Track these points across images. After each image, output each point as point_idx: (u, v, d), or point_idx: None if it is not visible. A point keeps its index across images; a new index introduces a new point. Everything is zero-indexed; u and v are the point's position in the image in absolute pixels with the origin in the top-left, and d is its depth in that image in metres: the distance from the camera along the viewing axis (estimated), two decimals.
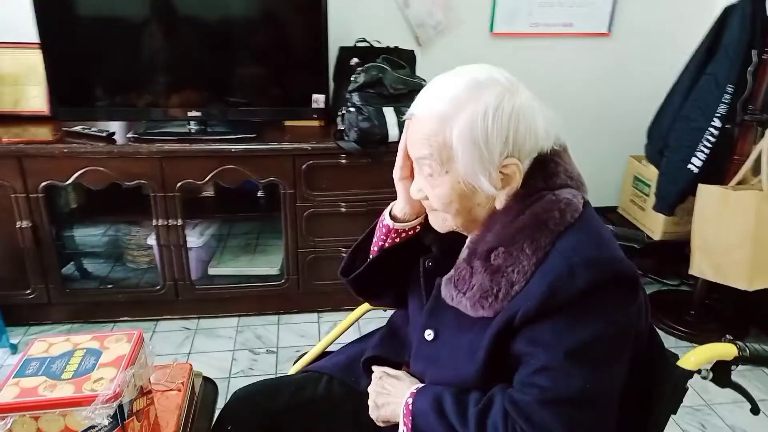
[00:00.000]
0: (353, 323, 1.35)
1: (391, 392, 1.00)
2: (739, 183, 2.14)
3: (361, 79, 2.14)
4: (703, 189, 2.16)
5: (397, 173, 1.00)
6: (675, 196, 2.28)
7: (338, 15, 2.25)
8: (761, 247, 2.03)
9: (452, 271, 0.91)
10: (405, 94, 2.18)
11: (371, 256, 1.09)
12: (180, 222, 2.22)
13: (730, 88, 2.06)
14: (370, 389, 1.04)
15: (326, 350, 1.31)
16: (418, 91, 2.35)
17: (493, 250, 0.85)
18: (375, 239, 1.07)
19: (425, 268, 1.01)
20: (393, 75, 2.17)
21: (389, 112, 2.16)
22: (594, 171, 2.62)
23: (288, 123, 2.32)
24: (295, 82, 2.27)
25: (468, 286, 0.87)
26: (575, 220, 0.83)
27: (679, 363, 0.82)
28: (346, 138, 2.18)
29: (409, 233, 1.04)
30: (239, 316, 2.44)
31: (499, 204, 0.87)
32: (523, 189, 0.86)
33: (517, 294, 0.82)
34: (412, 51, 2.35)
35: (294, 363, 1.32)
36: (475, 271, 0.86)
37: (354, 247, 1.12)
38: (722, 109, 2.09)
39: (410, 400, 0.95)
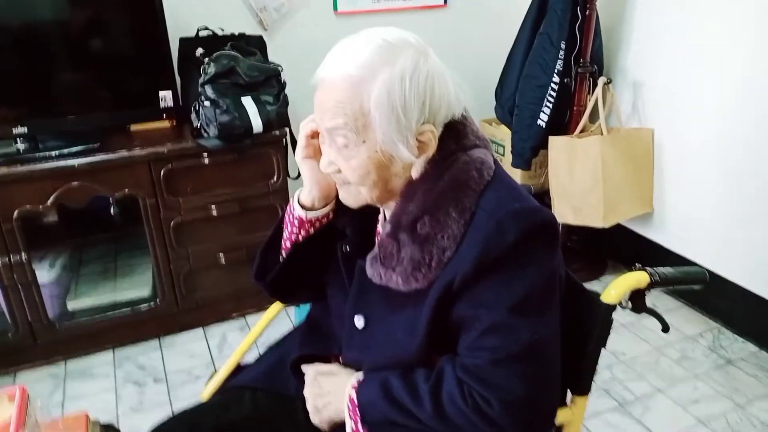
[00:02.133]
0: (265, 327, 1.25)
1: (330, 391, 0.95)
2: (582, 131, 2.35)
3: (212, 69, 1.99)
4: (552, 141, 2.34)
5: (300, 153, 0.93)
6: (529, 151, 2.45)
7: (172, 4, 2.06)
8: (610, 186, 2.24)
9: (375, 249, 0.87)
10: (262, 81, 2.07)
11: (284, 253, 1.01)
12: (25, 257, 1.93)
13: (563, 44, 2.23)
14: (306, 393, 0.97)
15: (240, 363, 1.21)
16: (275, 77, 2.28)
17: (418, 220, 0.82)
18: (286, 234, 1.00)
19: (343, 253, 0.96)
20: (246, 62, 2.05)
21: (248, 102, 2.04)
22: None
23: (134, 127, 2.11)
24: (136, 81, 2.06)
25: (397, 260, 0.83)
26: (491, 178, 0.83)
27: (602, 298, 0.87)
28: (205, 135, 2.03)
29: (323, 221, 0.98)
30: (114, 348, 2.19)
31: (416, 172, 0.85)
32: (437, 154, 0.84)
33: (450, 259, 0.80)
34: (260, 36, 2.24)
35: (206, 384, 1.20)
36: (402, 244, 0.83)
37: (263, 247, 1.03)
38: (559, 64, 2.26)
39: (353, 394, 0.90)
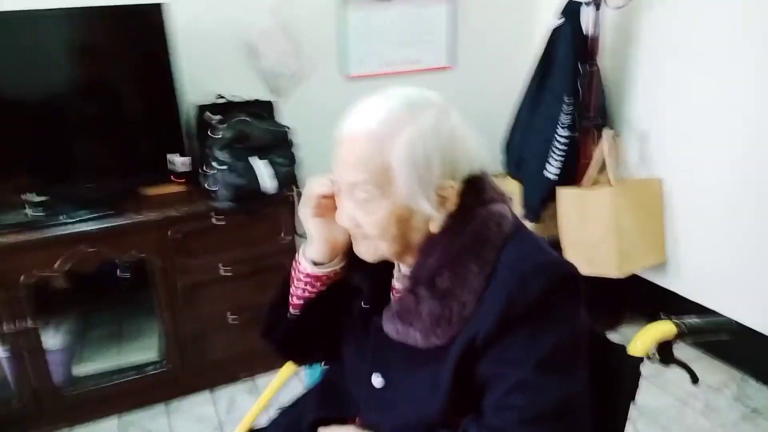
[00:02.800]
0: (278, 389, 1.21)
1: None
2: (593, 183, 2.35)
3: (227, 134, 2.03)
4: (561, 192, 2.34)
5: (308, 212, 0.92)
6: (538, 203, 2.44)
7: (192, 74, 2.13)
8: (622, 236, 2.23)
9: (393, 305, 0.85)
10: (272, 144, 2.11)
11: (292, 311, 0.99)
12: (33, 324, 1.91)
13: (568, 99, 2.27)
14: None
15: (252, 428, 1.17)
16: (285, 139, 2.31)
17: (437, 274, 0.81)
18: (295, 290, 0.98)
19: (360, 309, 0.94)
20: (258, 126, 2.09)
21: (259, 165, 2.07)
22: None
23: (146, 192, 2.13)
24: (147, 146, 2.09)
25: (415, 315, 0.82)
26: (511, 231, 0.82)
27: (629, 351, 0.84)
28: (218, 197, 2.05)
29: (332, 277, 0.97)
30: (120, 415, 2.13)
31: (435, 227, 0.84)
32: (457, 208, 0.84)
33: (471, 315, 0.79)
34: (270, 102, 2.29)
35: None
36: (421, 299, 0.81)
37: (271, 304, 1.02)
38: (565, 118, 2.29)
39: None
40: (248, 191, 2.03)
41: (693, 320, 0.84)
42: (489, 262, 0.79)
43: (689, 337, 0.83)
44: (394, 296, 0.94)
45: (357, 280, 0.96)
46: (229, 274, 2.13)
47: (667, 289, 2.40)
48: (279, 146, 2.13)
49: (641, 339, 0.84)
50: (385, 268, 0.95)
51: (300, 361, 1.13)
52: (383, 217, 0.82)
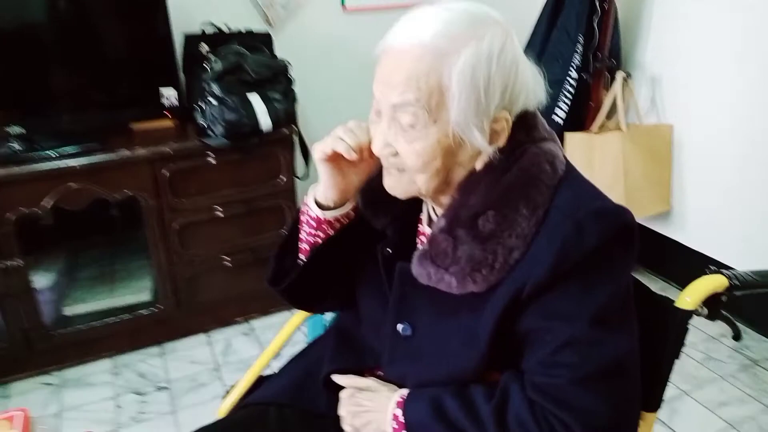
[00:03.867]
0: (289, 336, 1.16)
1: (370, 408, 0.86)
2: (600, 127, 2.28)
3: (219, 66, 1.90)
4: (570, 137, 2.26)
5: (321, 153, 0.82)
6: None
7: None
8: (630, 183, 2.17)
9: (424, 246, 0.78)
10: (270, 78, 1.99)
11: (302, 258, 0.92)
12: (21, 262, 1.82)
13: (581, 38, 2.16)
14: (342, 411, 0.88)
15: (261, 375, 1.12)
16: (284, 73, 2.19)
17: (480, 215, 0.74)
18: (304, 235, 0.91)
19: (384, 255, 0.87)
20: (254, 58, 1.96)
21: (256, 100, 1.95)
22: None
23: (136, 126, 2.01)
24: (138, 78, 1.96)
25: (452, 259, 0.74)
26: (564, 173, 0.75)
27: (677, 305, 0.79)
28: (211, 134, 1.94)
29: (343, 221, 0.90)
30: (113, 356, 2.09)
31: (480, 163, 0.76)
32: (506, 144, 0.76)
33: (517, 262, 0.72)
34: (267, 33, 2.15)
35: (223, 398, 1.11)
36: (459, 242, 0.74)
37: (278, 249, 0.94)
38: (576, 59, 2.19)
39: (398, 412, 0.81)
40: (244, 128, 1.93)
41: (744, 273, 0.79)
42: (541, 205, 0.72)
43: (740, 291, 0.78)
44: (421, 241, 0.88)
45: (381, 224, 0.89)
46: (223, 214, 2.05)
47: (671, 238, 2.38)
48: (277, 81, 2.01)
49: (691, 292, 0.78)
50: (410, 209, 0.88)
51: (311, 309, 1.07)
52: (429, 147, 0.73)
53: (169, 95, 1.99)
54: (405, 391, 0.84)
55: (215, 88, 1.91)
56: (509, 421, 0.72)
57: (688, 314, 0.77)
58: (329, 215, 0.87)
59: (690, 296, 0.78)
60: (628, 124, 2.25)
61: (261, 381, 1.09)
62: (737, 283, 0.78)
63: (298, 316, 1.13)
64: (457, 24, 0.71)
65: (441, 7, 0.73)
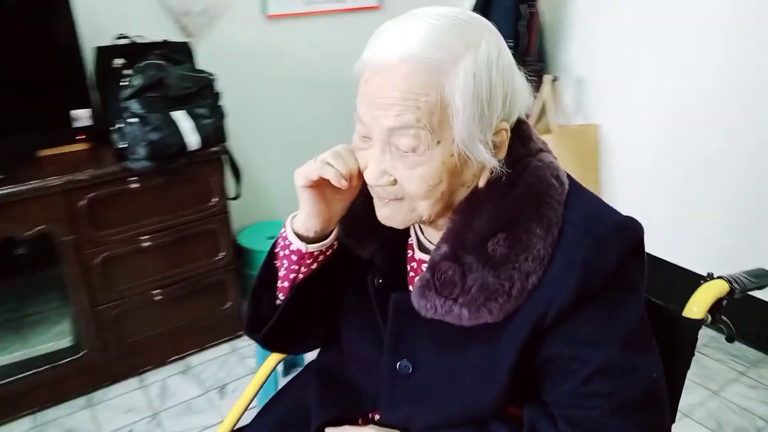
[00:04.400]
0: (261, 387, 1.03)
1: None
2: None
3: (138, 81, 1.73)
4: None
5: (304, 180, 0.73)
6: None
7: (84, 10, 1.78)
8: None
9: (425, 275, 0.71)
10: (195, 93, 1.84)
11: (280, 296, 0.82)
12: None
13: (510, 42, 2.17)
14: None
15: (233, 430, 1.00)
16: (209, 87, 2.04)
17: (489, 238, 0.67)
18: (283, 273, 0.80)
19: (375, 286, 0.79)
20: (175, 72, 1.81)
21: (181, 117, 1.80)
22: None
23: (45, 153, 1.79)
24: (44, 98, 1.75)
25: (461, 289, 0.67)
26: (570, 186, 0.70)
27: (686, 315, 0.76)
28: (132, 157, 1.77)
29: (327, 254, 0.81)
30: (34, 413, 1.84)
31: (483, 180, 0.70)
32: (506, 159, 0.70)
33: (535, 287, 0.66)
34: (186, 43, 2.00)
35: None
36: (468, 269, 0.67)
37: (253, 293, 0.83)
38: None
39: None
40: (169, 148, 1.77)
41: (740, 276, 0.78)
42: (555, 223, 0.66)
43: (740, 294, 0.77)
44: (412, 268, 0.80)
45: (367, 253, 0.80)
46: (150, 244, 1.87)
47: None
48: (202, 96, 1.87)
49: (697, 301, 0.76)
50: (396, 234, 0.80)
51: (290, 351, 0.97)
52: (434, 170, 0.66)
53: (81, 116, 1.79)
54: None
55: (135, 106, 1.74)
56: None
57: (698, 323, 0.75)
58: (313, 248, 0.77)
59: (697, 306, 0.76)
60: (557, 125, 2.29)
61: None
62: (737, 287, 0.76)
63: (272, 358, 1.01)
64: (447, 33, 0.64)
65: (423, 15, 0.66)
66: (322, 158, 0.72)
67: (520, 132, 0.72)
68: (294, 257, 0.78)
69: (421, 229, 0.80)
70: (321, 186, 0.73)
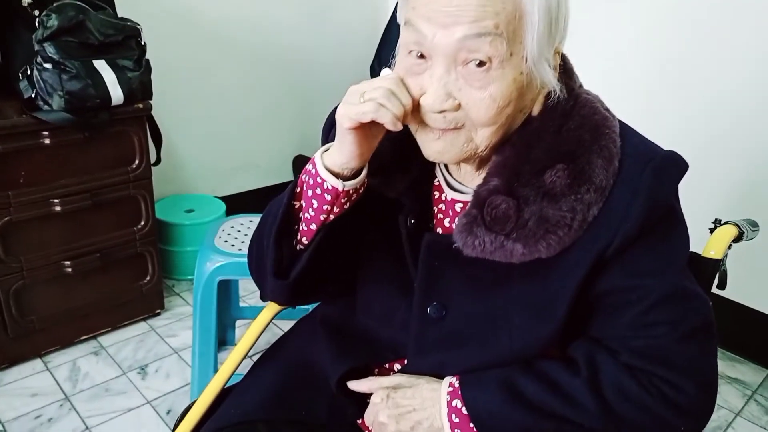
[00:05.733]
0: (257, 338, 0.95)
1: (415, 406, 0.73)
2: None
3: (54, 22, 1.52)
4: None
5: (354, 123, 0.65)
6: None
7: None
8: None
9: (471, 211, 0.67)
10: (120, 42, 1.65)
11: (303, 241, 0.75)
12: None
13: None
14: (382, 417, 0.74)
15: (225, 388, 0.90)
16: (134, 37, 1.87)
17: (546, 170, 0.66)
18: (310, 215, 0.73)
19: (408, 228, 0.75)
20: (98, 17, 1.61)
21: (103, 67, 1.61)
22: (308, 117, 2.55)
23: None
24: None
25: (516, 222, 0.65)
26: (618, 120, 0.71)
27: (705, 255, 0.81)
28: (45, 107, 1.55)
29: (360, 191, 0.75)
30: None
31: (538, 107, 0.68)
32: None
33: (595, 218, 0.65)
34: None
35: (178, 423, 0.87)
36: (524, 202, 0.65)
37: (275, 235, 0.74)
38: None
39: (457, 402, 0.70)
40: (90, 100, 1.58)
41: (743, 222, 0.84)
42: (615, 154, 0.66)
43: (745, 239, 0.84)
44: (439, 210, 0.77)
45: (395, 191, 0.76)
46: (61, 209, 1.66)
47: None
48: (127, 47, 1.69)
49: (714, 245, 0.80)
50: (421, 175, 0.77)
51: (304, 301, 0.89)
52: (506, 88, 0.62)
53: None
54: (452, 379, 0.73)
55: (50, 50, 1.53)
56: (607, 393, 0.66)
57: (717, 263, 0.80)
58: (350, 185, 0.71)
59: (714, 249, 0.81)
60: None
61: (225, 395, 0.88)
62: (744, 231, 0.82)
63: (269, 309, 0.93)
64: None
65: None
66: (372, 97, 0.64)
67: (565, 62, 0.72)
68: (328, 196, 0.71)
69: (447, 169, 0.77)
70: (365, 126, 0.67)
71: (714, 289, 0.83)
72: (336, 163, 0.70)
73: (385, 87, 0.65)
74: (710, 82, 1.77)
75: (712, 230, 0.83)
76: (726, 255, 0.82)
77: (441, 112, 0.64)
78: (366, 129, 0.67)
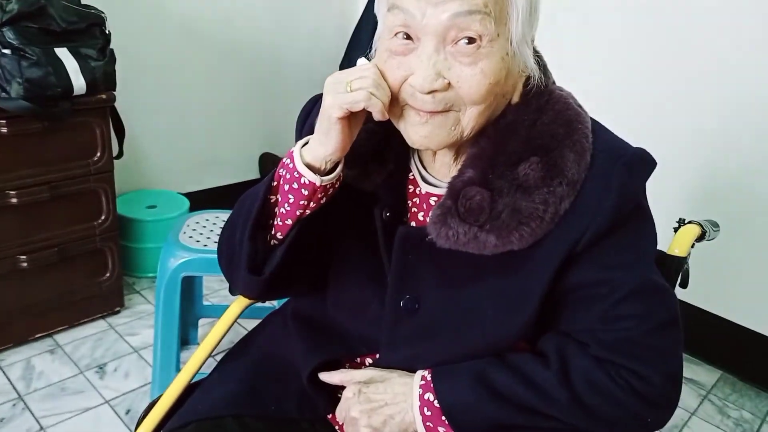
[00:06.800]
0: (225, 333, 0.93)
1: (387, 400, 0.72)
2: None
3: (13, 6, 1.47)
4: None
5: (343, 111, 0.65)
6: None
7: None
8: None
9: (446, 202, 0.68)
10: (83, 29, 1.61)
11: (278, 236, 0.74)
12: None
13: None
14: (354, 412, 0.73)
15: (191, 383, 0.88)
16: (98, 25, 1.81)
17: (520, 162, 0.66)
18: (286, 210, 0.72)
19: (384, 220, 0.75)
20: (60, 3, 1.57)
21: (65, 55, 1.57)
22: (275, 115, 2.52)
23: None
24: None
25: (490, 214, 0.66)
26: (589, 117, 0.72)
27: (670, 253, 0.83)
28: (3, 95, 1.50)
29: (336, 186, 0.73)
30: None
31: (518, 95, 0.69)
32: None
33: (566, 212, 0.66)
34: None
35: (140, 422, 0.84)
36: (499, 194, 0.66)
37: (250, 230, 0.73)
38: None
39: (429, 396, 0.70)
40: (51, 89, 1.54)
41: (706, 222, 0.87)
42: (587, 149, 0.67)
43: (707, 238, 0.86)
44: (414, 203, 0.78)
45: (372, 184, 0.75)
46: (18, 201, 1.60)
47: None
48: (90, 35, 1.65)
49: (678, 244, 0.83)
50: (396, 169, 0.77)
51: (275, 296, 0.88)
52: (496, 64, 0.62)
53: None
54: (424, 372, 0.73)
55: (8, 35, 1.48)
56: (577, 385, 0.67)
57: (681, 261, 0.82)
58: (327, 180, 0.70)
59: (678, 247, 0.83)
60: None
61: (190, 392, 0.86)
62: (706, 230, 0.85)
63: (237, 305, 0.91)
64: None
65: None
66: (362, 86, 0.64)
67: (539, 59, 0.72)
68: (305, 191, 0.70)
69: (422, 163, 0.78)
70: (349, 116, 0.66)
71: (676, 289, 0.85)
72: (318, 156, 0.69)
73: (371, 76, 0.64)
74: (676, 85, 1.82)
75: (676, 229, 0.86)
76: (689, 254, 0.84)
77: (431, 92, 0.63)
78: (350, 119, 0.67)
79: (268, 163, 2.62)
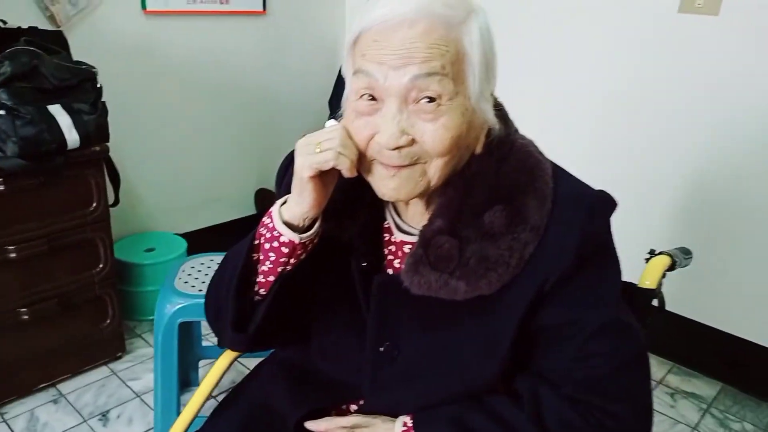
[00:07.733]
0: (215, 385, 0.95)
1: None
2: None
3: (6, 68, 1.52)
4: None
5: (314, 171, 0.69)
6: None
7: None
8: None
9: (417, 251, 0.71)
10: (75, 85, 1.66)
11: (261, 292, 0.77)
12: None
13: None
14: None
15: None
16: (90, 80, 1.87)
17: (485, 211, 0.70)
18: (268, 267, 0.75)
19: (360, 270, 0.78)
20: (52, 62, 1.62)
21: (58, 111, 1.61)
22: (269, 151, 2.57)
23: None
24: None
25: (458, 262, 0.69)
26: (552, 164, 0.75)
27: (641, 286, 0.86)
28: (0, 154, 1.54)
29: (315, 241, 0.77)
30: None
31: (480, 146, 0.72)
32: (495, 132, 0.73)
33: (531, 256, 0.69)
34: (59, 32, 1.79)
35: None
36: (466, 241, 0.69)
37: (234, 291, 0.76)
38: None
39: None
40: (45, 145, 1.57)
41: (676, 251, 0.90)
42: (548, 195, 0.70)
43: (678, 267, 0.89)
44: (391, 251, 0.81)
45: (347, 234, 0.78)
46: (17, 255, 1.64)
47: None
48: (82, 90, 1.69)
49: (649, 275, 0.86)
50: (371, 218, 0.80)
51: (261, 348, 0.90)
52: (456, 119, 0.66)
53: None
54: (405, 418, 0.75)
55: (3, 96, 1.52)
56: (550, 426, 0.69)
57: (651, 293, 0.85)
58: (305, 237, 0.73)
59: (648, 279, 0.86)
60: None
61: None
62: (677, 260, 0.88)
63: (226, 357, 0.94)
64: None
65: None
66: (330, 147, 0.68)
67: (500, 110, 0.76)
68: (285, 249, 0.73)
69: (397, 212, 0.81)
70: (321, 175, 0.70)
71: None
72: (296, 215, 0.72)
73: (338, 137, 0.68)
74: (643, 117, 1.87)
75: (647, 260, 0.88)
76: (661, 283, 0.87)
77: (396, 148, 0.67)
78: (323, 177, 0.70)
79: (264, 198, 2.66)
